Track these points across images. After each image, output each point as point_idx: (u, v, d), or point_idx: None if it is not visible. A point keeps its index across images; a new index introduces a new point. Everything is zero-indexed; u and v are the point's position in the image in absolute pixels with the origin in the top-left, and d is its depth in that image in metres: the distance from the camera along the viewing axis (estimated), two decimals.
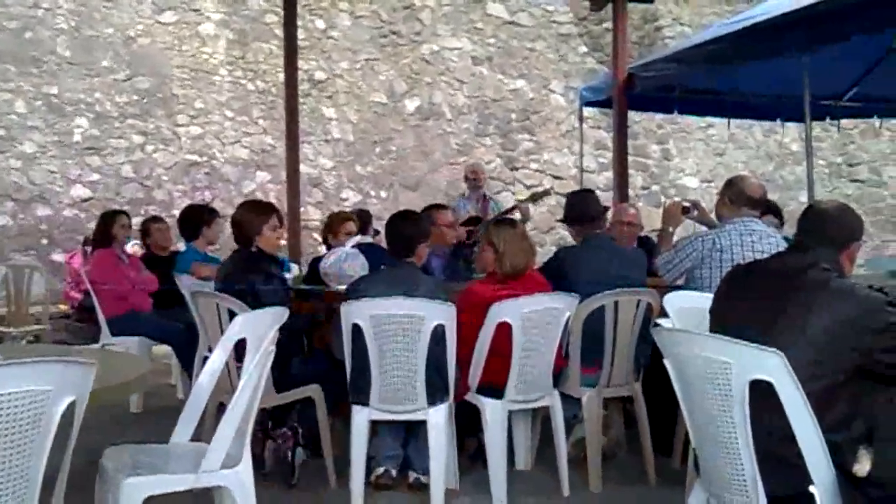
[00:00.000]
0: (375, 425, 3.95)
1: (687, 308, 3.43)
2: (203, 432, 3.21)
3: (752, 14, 5.71)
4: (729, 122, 9.11)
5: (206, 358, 3.28)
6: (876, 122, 10.51)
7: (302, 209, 7.79)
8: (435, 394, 3.74)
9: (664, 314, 3.57)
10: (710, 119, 11.24)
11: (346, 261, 4.92)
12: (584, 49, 12.25)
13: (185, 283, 5.34)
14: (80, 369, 1.96)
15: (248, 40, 11.16)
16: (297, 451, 4.11)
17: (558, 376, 4.10)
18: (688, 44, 7.00)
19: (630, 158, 8.12)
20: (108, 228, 6.04)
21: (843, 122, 8.72)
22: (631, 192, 8.66)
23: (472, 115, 11.81)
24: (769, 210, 5.25)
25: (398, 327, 3.66)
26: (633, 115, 8.96)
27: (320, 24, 11.39)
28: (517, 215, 6.17)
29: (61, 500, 2.13)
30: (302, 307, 4.78)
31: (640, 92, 7.06)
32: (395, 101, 11.58)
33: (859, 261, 3.11)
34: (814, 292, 2.42)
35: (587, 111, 9.07)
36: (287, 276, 5.08)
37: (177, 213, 6.95)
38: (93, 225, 6.43)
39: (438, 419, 3.74)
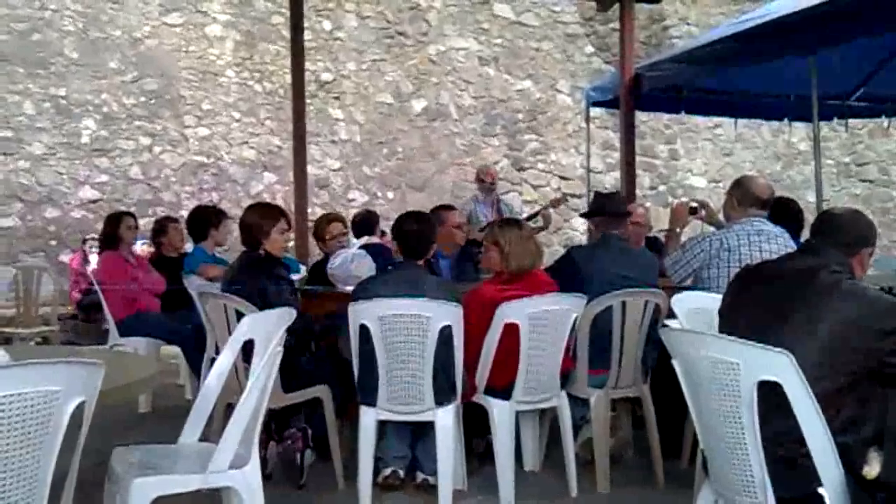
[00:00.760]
0: (383, 426, 3.95)
1: (695, 309, 3.43)
2: (211, 433, 3.22)
3: (759, 14, 5.69)
4: (736, 122, 9.06)
5: (213, 359, 3.29)
6: (884, 121, 10.46)
7: (309, 210, 7.79)
8: (442, 394, 3.73)
9: (672, 315, 3.56)
10: (717, 119, 11.21)
11: (353, 262, 4.93)
12: (590, 49, 12.24)
13: (193, 284, 5.36)
14: (89, 370, 1.97)
15: (255, 41, 11.18)
16: (306, 453, 4.11)
17: (566, 377, 4.09)
18: (695, 44, 6.98)
19: (637, 158, 8.08)
20: (114, 230, 6.05)
21: (852, 121, 8.70)
22: (638, 193, 8.62)
23: (478, 116, 11.81)
24: (788, 216, 4.69)
25: (405, 328, 3.65)
26: (640, 115, 8.93)
27: (327, 25, 11.41)
28: (540, 221, 6.20)
29: (70, 500, 2.14)
30: (309, 308, 4.77)
31: (647, 92, 7.04)
32: (402, 101, 11.59)
33: None
34: (824, 294, 2.41)
35: (594, 111, 9.03)
36: (295, 277, 5.08)
37: (185, 214, 6.96)
38: (101, 226, 6.45)
39: (446, 420, 3.74)
